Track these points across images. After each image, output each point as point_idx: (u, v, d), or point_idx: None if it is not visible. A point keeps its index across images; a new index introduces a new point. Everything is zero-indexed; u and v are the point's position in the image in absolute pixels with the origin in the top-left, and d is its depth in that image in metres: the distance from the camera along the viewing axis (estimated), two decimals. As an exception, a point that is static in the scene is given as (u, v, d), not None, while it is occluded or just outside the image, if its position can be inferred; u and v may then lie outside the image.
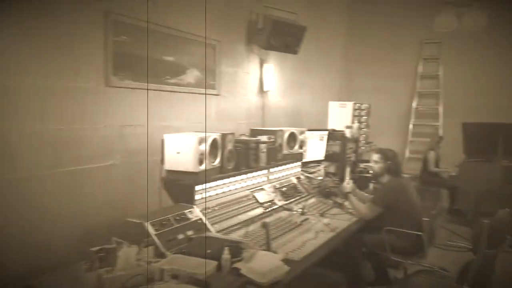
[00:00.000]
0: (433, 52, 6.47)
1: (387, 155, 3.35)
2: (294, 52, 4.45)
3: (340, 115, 4.99)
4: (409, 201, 3.25)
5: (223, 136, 2.87)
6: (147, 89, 2.97)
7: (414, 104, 6.64)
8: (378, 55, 6.87)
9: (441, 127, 6.44)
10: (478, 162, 5.58)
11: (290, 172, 3.77)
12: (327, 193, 3.73)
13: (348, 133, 4.57)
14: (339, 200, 3.62)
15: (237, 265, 2.09)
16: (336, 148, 4.53)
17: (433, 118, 6.54)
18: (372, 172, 3.45)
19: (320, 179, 4.01)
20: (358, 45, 6.92)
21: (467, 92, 6.28)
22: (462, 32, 5.34)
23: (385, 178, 3.36)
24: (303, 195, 3.62)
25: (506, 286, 3.62)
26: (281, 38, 4.20)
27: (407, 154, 6.70)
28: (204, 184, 2.64)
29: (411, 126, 6.67)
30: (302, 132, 3.93)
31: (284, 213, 3.16)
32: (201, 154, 2.60)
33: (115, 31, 2.74)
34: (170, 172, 2.67)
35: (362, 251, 3.33)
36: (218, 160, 2.81)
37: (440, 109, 6.45)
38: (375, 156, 3.39)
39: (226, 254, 2.08)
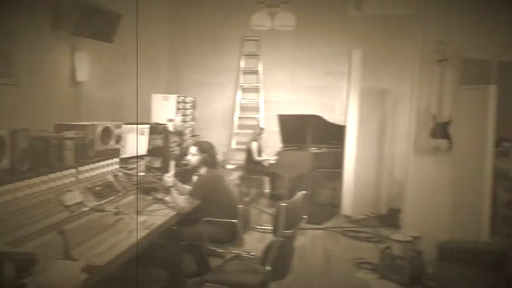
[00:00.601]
0: (253, 48, 6.90)
1: (203, 147, 3.41)
2: (110, 40, 4.17)
3: (164, 108, 4.91)
4: (225, 191, 3.38)
5: (13, 132, 2.48)
6: None
7: (238, 98, 6.99)
8: (204, 49, 6.99)
9: (262, 119, 6.93)
10: (292, 150, 6.20)
11: (105, 169, 3.51)
12: (148, 189, 3.61)
13: (171, 127, 4.52)
14: (160, 195, 3.54)
15: (25, 280, 1.82)
16: (159, 142, 4.44)
17: (255, 111, 6.99)
18: (189, 164, 3.47)
19: (142, 175, 3.86)
20: (184, 38, 6.93)
21: (282, 87, 6.91)
22: (276, 30, 5.80)
23: (203, 170, 3.42)
24: (120, 194, 3.41)
25: (302, 261, 4.11)
26: (92, 24, 3.87)
27: (233, 145, 7.03)
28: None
29: (236, 119, 7.01)
30: (118, 126, 3.71)
31: (95, 215, 2.92)
32: (-22, 155, 2.18)
33: None
34: None
35: (181, 244, 3.32)
36: (6, 161, 2.42)
37: (261, 103, 6.94)
38: (192, 149, 3.42)
39: (8, 271, 1.78)
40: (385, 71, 5.74)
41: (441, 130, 4.09)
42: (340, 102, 6.39)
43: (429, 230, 4.04)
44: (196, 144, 3.46)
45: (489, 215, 4.34)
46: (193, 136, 5.51)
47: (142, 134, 4.23)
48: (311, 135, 6.05)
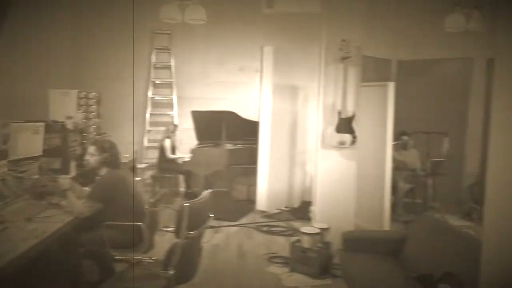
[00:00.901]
0: (164, 42, 6.66)
1: (103, 146, 3.17)
2: (-6, 28, 3.72)
3: (63, 105, 4.52)
4: (128, 192, 3.17)
5: None
6: None
7: (149, 94, 6.71)
8: (111, 42, 6.59)
9: (176, 116, 6.73)
10: (207, 147, 6.09)
11: (-11, 173, 3.13)
12: (41, 193, 3.28)
13: (70, 124, 4.17)
14: (55, 199, 3.23)
15: None
16: (57, 141, 4.08)
17: (168, 108, 6.77)
18: (89, 165, 3.21)
19: (35, 178, 3.50)
20: (88, 30, 6.47)
21: (195, 83, 6.77)
22: (187, 24, 5.63)
23: (103, 171, 3.18)
24: (7, 200, 3.05)
25: (215, 259, 4.06)
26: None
27: (145, 143, 6.74)
28: None
29: (148, 116, 6.73)
30: (5, 125, 3.32)
31: (-27, 225, 2.57)
32: None
33: None
34: None
35: (80, 251, 3.07)
36: None
37: (174, 99, 6.73)
38: (91, 149, 3.17)
39: None
40: (295, 67, 5.87)
41: (345, 125, 4.26)
42: (253, 98, 6.42)
43: (336, 221, 4.20)
44: (95, 143, 3.20)
45: (390, 204, 4.64)
46: (99, 134, 5.17)
47: (37, 133, 3.85)
48: (226, 131, 5.99)
